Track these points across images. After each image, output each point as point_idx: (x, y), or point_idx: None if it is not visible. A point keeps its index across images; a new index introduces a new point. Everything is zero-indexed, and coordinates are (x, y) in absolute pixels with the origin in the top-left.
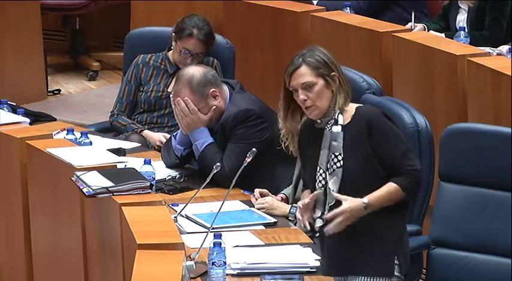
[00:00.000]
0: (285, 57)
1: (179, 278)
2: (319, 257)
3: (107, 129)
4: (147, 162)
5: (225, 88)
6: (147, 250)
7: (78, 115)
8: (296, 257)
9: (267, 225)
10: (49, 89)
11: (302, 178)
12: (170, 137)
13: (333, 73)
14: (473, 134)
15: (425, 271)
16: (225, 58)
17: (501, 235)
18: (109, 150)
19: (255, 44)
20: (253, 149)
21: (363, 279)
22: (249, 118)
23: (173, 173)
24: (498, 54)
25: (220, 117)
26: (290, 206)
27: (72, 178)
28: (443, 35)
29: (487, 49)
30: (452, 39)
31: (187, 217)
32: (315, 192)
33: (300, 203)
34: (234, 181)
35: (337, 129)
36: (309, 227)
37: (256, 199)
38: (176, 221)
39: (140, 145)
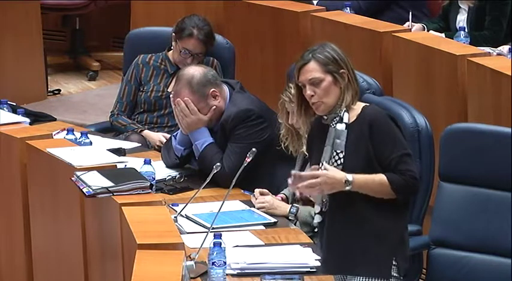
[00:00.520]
0: (285, 57)
1: (179, 278)
2: (319, 257)
3: (107, 129)
4: (147, 162)
5: (225, 88)
6: (147, 250)
7: (78, 115)
8: (296, 257)
9: (267, 225)
10: (49, 89)
11: None
12: (170, 137)
13: (342, 70)
14: (473, 134)
15: (425, 271)
16: (225, 58)
17: (501, 235)
18: (109, 150)
19: (255, 44)
20: (253, 149)
21: (360, 279)
22: (249, 118)
23: (173, 173)
24: (498, 54)
25: (220, 118)
26: (290, 205)
27: (72, 178)
28: (443, 35)
29: (487, 49)
30: (452, 39)
31: (187, 217)
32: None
33: (295, 172)
34: (234, 181)
35: (341, 127)
36: (298, 194)
37: (256, 199)
38: (176, 221)
39: (140, 145)
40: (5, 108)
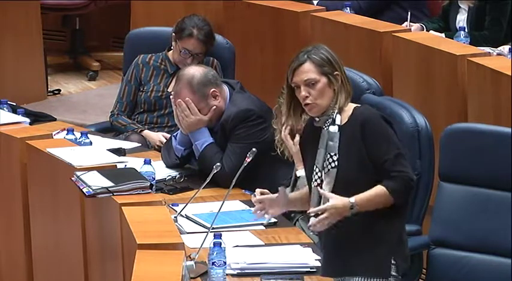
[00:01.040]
0: (285, 57)
1: (179, 278)
2: (319, 257)
3: (107, 129)
4: (147, 162)
5: (225, 88)
6: (147, 250)
7: (78, 115)
8: (296, 257)
9: (267, 225)
10: (49, 89)
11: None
12: (170, 137)
13: (336, 72)
14: (473, 134)
15: (425, 271)
16: (225, 58)
17: (501, 235)
18: (109, 150)
19: (255, 44)
20: (253, 149)
21: (359, 279)
22: (249, 118)
23: (173, 173)
24: (498, 54)
25: (221, 118)
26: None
27: (72, 178)
28: (443, 35)
29: (487, 49)
30: (452, 39)
31: (187, 217)
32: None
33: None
34: (234, 181)
35: (334, 129)
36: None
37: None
38: (176, 221)
39: (140, 145)
40: (5, 108)
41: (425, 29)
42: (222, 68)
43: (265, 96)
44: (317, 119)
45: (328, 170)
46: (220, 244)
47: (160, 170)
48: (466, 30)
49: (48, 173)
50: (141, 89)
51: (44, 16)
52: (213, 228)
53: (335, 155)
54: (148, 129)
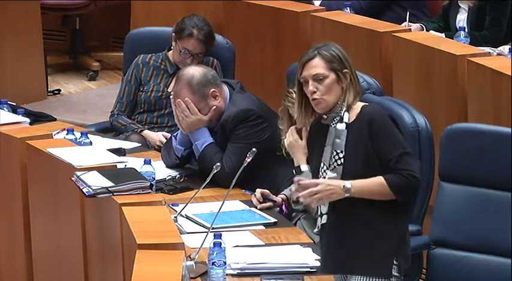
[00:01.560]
0: (285, 57)
1: (179, 278)
2: (319, 257)
3: (107, 129)
4: (147, 162)
5: (225, 88)
6: (147, 250)
7: (78, 115)
8: (296, 257)
9: (267, 225)
10: (49, 89)
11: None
12: (170, 137)
13: (345, 70)
14: (473, 134)
15: (425, 271)
16: (225, 58)
17: (501, 235)
18: (109, 150)
19: (255, 44)
20: (253, 149)
21: (360, 279)
22: (249, 118)
23: (173, 173)
24: (498, 54)
25: (220, 118)
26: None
27: (72, 178)
28: (443, 35)
29: (487, 49)
30: (452, 39)
31: (187, 217)
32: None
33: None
34: (234, 181)
35: (341, 126)
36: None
37: (258, 200)
38: (176, 221)
39: (140, 145)
40: (5, 108)
41: (425, 29)
42: (222, 68)
43: (265, 96)
44: (325, 116)
45: (335, 167)
46: (220, 244)
47: (160, 170)
48: (466, 30)
49: (48, 173)
50: (141, 89)
51: (44, 16)
52: (213, 228)
53: (341, 152)
54: (148, 129)
